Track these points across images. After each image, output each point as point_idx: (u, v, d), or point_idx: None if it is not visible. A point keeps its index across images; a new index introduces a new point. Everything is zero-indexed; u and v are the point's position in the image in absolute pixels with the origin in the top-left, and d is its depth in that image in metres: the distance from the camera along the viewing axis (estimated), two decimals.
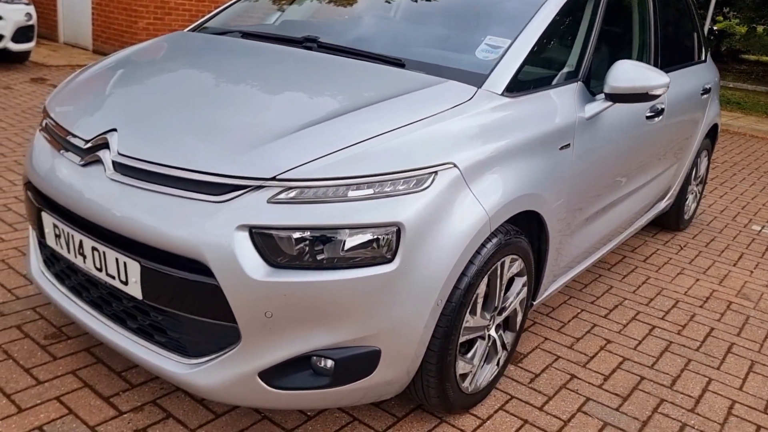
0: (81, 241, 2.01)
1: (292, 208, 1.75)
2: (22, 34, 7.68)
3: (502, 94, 2.21)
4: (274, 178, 1.76)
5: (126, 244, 1.90)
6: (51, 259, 2.28)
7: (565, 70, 2.59)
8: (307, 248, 1.76)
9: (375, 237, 1.79)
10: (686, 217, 4.61)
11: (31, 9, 7.80)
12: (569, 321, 3.15)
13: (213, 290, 1.76)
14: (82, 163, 2.03)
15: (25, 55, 8.07)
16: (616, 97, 2.57)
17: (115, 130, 2.00)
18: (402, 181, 1.84)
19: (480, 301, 2.16)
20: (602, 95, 2.63)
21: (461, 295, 2.01)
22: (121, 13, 9.27)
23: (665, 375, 2.77)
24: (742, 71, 16.80)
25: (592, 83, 2.68)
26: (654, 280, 3.77)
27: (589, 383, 2.64)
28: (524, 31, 2.38)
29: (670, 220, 4.47)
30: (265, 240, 1.75)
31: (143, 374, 2.35)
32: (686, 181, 4.30)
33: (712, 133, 4.57)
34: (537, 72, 2.44)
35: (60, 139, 2.17)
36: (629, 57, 3.19)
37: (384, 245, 1.80)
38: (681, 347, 3.02)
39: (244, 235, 1.75)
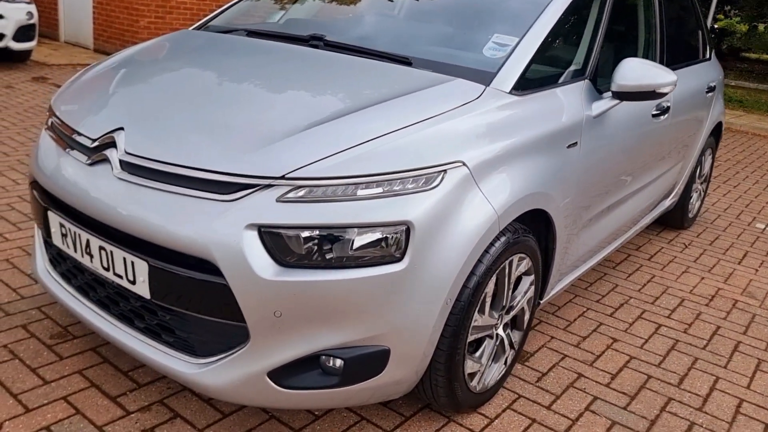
0: (88, 241, 2.00)
1: (301, 207, 1.75)
2: (23, 33, 7.67)
3: (510, 93, 2.20)
4: (283, 177, 1.75)
5: (134, 243, 1.89)
6: (57, 258, 2.28)
7: (572, 68, 2.57)
8: (316, 247, 1.75)
9: (384, 236, 1.78)
10: (690, 215, 4.60)
11: (33, 8, 7.79)
12: (575, 320, 3.14)
13: (222, 290, 1.76)
14: (88, 162, 2.02)
15: (27, 54, 8.06)
16: (623, 96, 2.56)
17: (122, 128, 1.99)
18: (411, 179, 1.84)
19: (488, 300, 2.15)
20: (609, 93, 2.61)
21: (470, 294, 2.00)
22: (122, 12, 9.25)
23: (672, 374, 2.76)
24: (743, 69, 16.79)
25: (599, 81, 2.67)
26: (659, 278, 3.76)
27: (596, 382, 2.63)
28: (532, 28, 2.37)
29: (674, 219, 4.46)
30: (274, 239, 1.74)
31: (150, 374, 2.34)
32: (691, 180, 4.29)
33: (717, 132, 4.57)
34: (544, 70, 2.43)
35: (66, 137, 2.16)
36: (635, 55, 3.18)
37: (393, 244, 1.79)
38: (687, 346, 3.02)
39: (253, 234, 1.74)
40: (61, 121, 2.21)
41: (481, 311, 2.14)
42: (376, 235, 1.78)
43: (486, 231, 1.96)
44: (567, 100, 2.44)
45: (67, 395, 2.19)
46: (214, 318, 1.83)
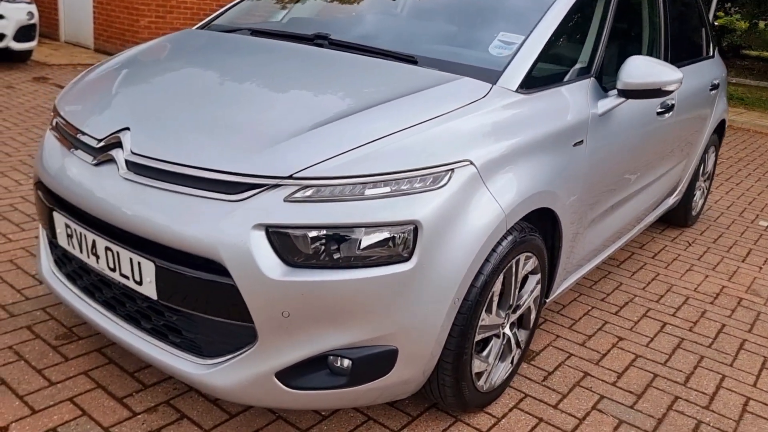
0: (94, 241, 1.99)
1: (308, 206, 1.74)
2: (24, 33, 7.66)
3: (516, 91, 2.19)
4: (290, 177, 1.74)
5: (140, 243, 1.88)
6: (62, 259, 2.27)
7: (578, 66, 2.57)
8: (324, 247, 1.74)
9: (392, 235, 1.77)
10: (694, 213, 4.59)
11: (33, 8, 7.77)
12: (580, 318, 3.14)
13: (229, 290, 1.75)
14: (94, 162, 2.01)
15: (27, 54, 8.04)
16: (629, 93, 2.55)
17: (127, 128, 1.98)
18: (418, 178, 1.83)
19: (495, 299, 2.15)
20: (615, 91, 2.61)
21: (477, 293, 1.99)
22: (122, 12, 9.24)
23: (678, 372, 2.76)
24: (744, 67, 16.77)
25: (604, 79, 2.66)
26: (663, 276, 3.75)
27: (602, 381, 2.63)
28: (538, 26, 2.36)
29: (678, 217, 4.45)
30: (281, 239, 1.73)
31: (156, 374, 2.34)
32: (694, 177, 4.29)
33: (720, 129, 4.56)
34: (550, 68, 2.43)
35: (71, 138, 2.15)
36: (639, 52, 3.17)
37: (401, 244, 1.79)
38: (693, 344, 3.01)
39: (261, 235, 1.73)
40: (66, 122, 2.20)
41: (489, 310, 2.13)
42: (384, 235, 1.77)
43: (494, 230, 1.96)
44: (573, 99, 2.43)
45: (73, 396, 2.18)
46: (222, 318, 1.82)
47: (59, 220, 2.11)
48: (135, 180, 1.90)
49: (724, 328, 3.20)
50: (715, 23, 17.08)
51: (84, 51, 9.73)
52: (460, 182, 1.88)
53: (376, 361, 1.87)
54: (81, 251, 2.06)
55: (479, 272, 1.99)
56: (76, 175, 2.05)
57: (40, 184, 2.26)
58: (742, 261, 4.13)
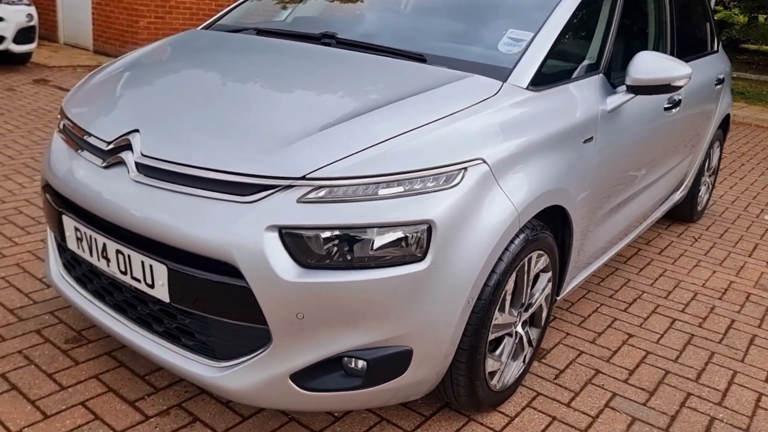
0: (104, 244, 1.98)
1: (322, 207, 1.73)
2: (23, 35, 7.63)
3: (527, 88, 2.18)
4: (303, 178, 1.73)
5: (152, 246, 1.87)
6: (71, 262, 2.26)
7: (586, 62, 2.55)
8: (338, 248, 1.73)
9: (406, 235, 1.76)
10: (699, 208, 4.58)
11: (32, 10, 7.75)
12: (589, 315, 3.13)
13: (243, 292, 1.74)
14: (104, 165, 2.00)
15: (27, 56, 8.02)
16: (638, 89, 2.54)
17: (137, 131, 1.97)
18: (432, 178, 1.82)
19: (508, 297, 2.14)
20: (623, 87, 2.60)
21: (491, 292, 1.98)
22: (121, 13, 9.22)
23: (690, 369, 2.75)
24: (743, 61, 16.75)
25: (612, 75, 2.65)
26: (671, 272, 3.75)
27: (614, 378, 2.62)
28: (547, 23, 2.35)
29: (683, 212, 4.44)
30: (295, 240, 1.72)
31: (167, 377, 2.33)
32: (700, 172, 4.28)
33: (725, 124, 4.55)
34: (559, 65, 2.41)
35: (79, 140, 2.14)
36: (646, 48, 3.16)
37: (415, 243, 1.78)
38: (703, 340, 3.00)
39: (274, 236, 1.72)
40: (74, 124, 2.19)
41: (502, 309, 2.12)
42: (398, 235, 1.76)
43: (507, 228, 1.95)
44: (582, 95, 2.42)
45: (84, 400, 2.17)
46: (235, 321, 1.81)
47: (68, 223, 2.10)
48: (145, 182, 1.88)
49: (733, 324, 3.19)
50: (714, 17, 17.04)
51: (83, 52, 9.71)
52: (473, 181, 1.87)
53: (391, 362, 1.85)
54: (91, 254, 2.05)
55: (492, 271, 1.98)
56: (86, 178, 2.04)
57: (48, 188, 2.25)
58: (749, 256, 4.12)
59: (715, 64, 4.11)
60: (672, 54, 3.35)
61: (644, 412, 2.42)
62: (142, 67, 2.47)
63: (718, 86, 4.08)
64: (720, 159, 4.86)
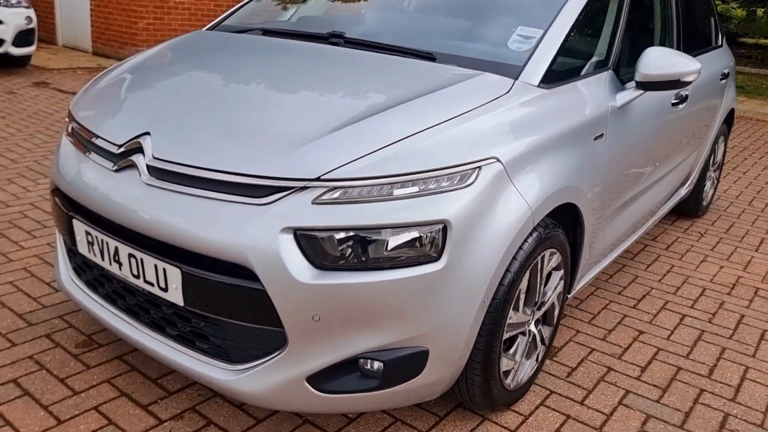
0: (116, 248, 1.97)
1: (337, 208, 1.72)
2: (22, 38, 7.60)
3: (538, 86, 2.17)
4: (318, 179, 1.72)
5: (165, 250, 1.86)
6: (82, 267, 2.24)
7: (595, 59, 2.55)
8: (354, 249, 1.72)
9: (422, 235, 1.75)
10: (705, 203, 4.58)
11: (31, 12, 7.72)
12: (599, 312, 3.12)
13: (258, 295, 1.73)
14: (114, 168, 1.98)
15: (26, 59, 7.99)
16: (647, 85, 2.53)
17: (147, 133, 1.96)
18: (446, 177, 1.81)
19: (522, 296, 2.13)
20: (632, 83, 2.59)
21: (505, 291, 1.97)
22: (120, 14, 9.19)
23: (702, 365, 2.74)
24: (742, 55, 16.74)
25: (620, 71, 2.64)
26: (678, 268, 3.74)
27: (626, 375, 2.61)
28: (556, 20, 2.33)
29: (689, 207, 4.43)
30: (310, 242, 1.71)
31: (179, 380, 2.32)
32: (705, 168, 4.27)
33: (729, 119, 4.54)
34: (568, 62, 2.40)
35: (89, 144, 2.13)
36: (652, 43, 3.15)
37: (431, 243, 1.77)
38: (714, 336, 2.99)
39: (289, 238, 1.71)
40: (83, 127, 2.18)
41: (516, 308, 2.11)
42: (414, 235, 1.75)
43: (521, 227, 1.94)
44: (592, 92, 2.41)
45: (97, 405, 2.16)
46: (250, 324, 1.80)
47: (79, 227, 2.09)
48: (157, 185, 1.87)
49: (743, 319, 3.18)
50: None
51: (82, 54, 9.69)
52: (487, 180, 1.86)
53: (407, 363, 1.85)
54: (103, 259, 2.04)
55: (507, 270, 1.97)
56: (96, 181, 2.02)
57: (57, 191, 2.24)
58: (756, 250, 4.12)
59: (720, 59, 4.10)
60: (678, 49, 3.34)
61: (658, 409, 2.42)
62: (150, 69, 2.45)
63: (723, 81, 4.08)
64: (724, 154, 4.85)
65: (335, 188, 1.73)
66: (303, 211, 1.71)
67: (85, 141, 2.15)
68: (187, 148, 1.88)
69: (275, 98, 2.08)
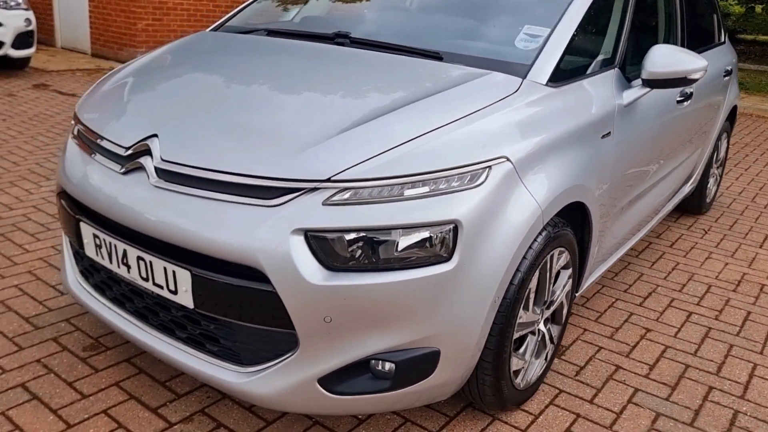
0: (125, 251, 1.96)
1: (348, 209, 1.71)
2: (22, 40, 7.59)
3: (546, 84, 2.16)
4: (329, 180, 1.71)
5: (174, 252, 1.85)
6: (89, 270, 2.23)
7: (602, 57, 2.54)
8: (365, 250, 1.71)
9: (433, 236, 1.75)
10: (708, 200, 4.57)
11: (31, 14, 7.70)
12: (605, 310, 3.12)
13: (269, 297, 1.72)
14: (122, 170, 1.97)
15: (26, 61, 7.97)
16: (654, 83, 2.53)
17: (155, 135, 1.95)
18: (456, 177, 1.80)
19: (532, 296, 2.13)
20: (639, 81, 2.58)
21: (515, 291, 1.97)
22: (119, 15, 9.17)
23: (710, 362, 2.74)
24: (740, 51, 16.71)
25: (626, 69, 2.64)
26: (683, 265, 3.73)
27: (635, 373, 2.60)
28: (563, 18, 2.33)
29: (692, 204, 4.43)
30: (321, 243, 1.70)
31: (188, 383, 2.31)
32: (708, 164, 4.27)
33: (732, 115, 4.54)
34: (575, 60, 2.40)
35: (95, 146, 2.12)
36: (657, 41, 3.14)
37: (442, 244, 1.76)
38: (721, 333, 2.99)
39: (300, 239, 1.70)
40: (89, 129, 2.17)
41: (526, 307, 2.11)
42: (425, 235, 1.74)
43: (531, 226, 1.93)
44: (599, 90, 2.41)
45: (107, 408, 2.15)
46: (261, 326, 1.79)
47: (86, 230, 2.08)
48: (166, 188, 1.86)
49: (749, 316, 3.18)
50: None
51: (81, 56, 9.67)
52: (498, 179, 1.86)
53: (419, 364, 1.84)
54: (111, 261, 2.03)
55: (517, 269, 1.96)
56: (104, 184, 2.01)
57: (63, 194, 2.23)
58: (760, 247, 4.11)
59: (723, 56, 4.10)
60: (682, 46, 3.33)
61: (668, 407, 2.41)
62: (155, 71, 2.44)
63: (726, 78, 4.07)
64: (727, 150, 4.85)
65: (346, 189, 1.72)
66: (313, 212, 1.71)
67: (91, 143, 2.15)
68: (195, 149, 1.88)
69: (282, 99, 2.08)
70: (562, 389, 2.46)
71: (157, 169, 1.89)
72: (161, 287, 1.91)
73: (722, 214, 4.69)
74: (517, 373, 2.20)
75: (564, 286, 2.37)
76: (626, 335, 2.90)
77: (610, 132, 2.41)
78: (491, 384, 2.07)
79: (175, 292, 1.88)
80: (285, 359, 1.80)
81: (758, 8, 17.22)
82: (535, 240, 2.01)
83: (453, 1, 2.74)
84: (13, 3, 7.52)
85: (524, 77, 2.13)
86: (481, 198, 1.81)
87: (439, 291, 1.78)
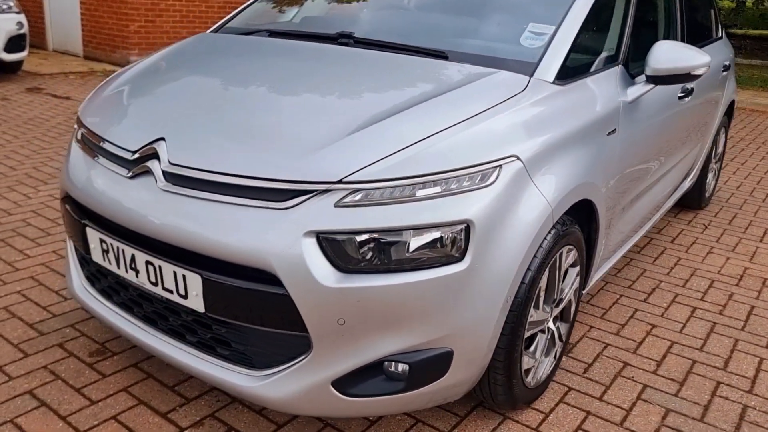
0: (133, 256, 1.94)
1: (360, 211, 1.70)
2: (14, 43, 7.53)
3: (553, 83, 2.16)
4: (340, 181, 1.70)
5: (184, 256, 1.84)
6: (95, 275, 2.22)
7: (606, 53, 2.54)
8: (378, 252, 1.70)
9: (445, 236, 1.74)
10: (707, 195, 4.59)
11: (22, 17, 7.64)
12: (610, 307, 3.12)
13: (282, 300, 1.71)
14: (129, 174, 1.96)
15: (18, 64, 7.91)
16: (657, 79, 2.53)
17: (162, 139, 1.93)
18: (467, 177, 1.79)
19: (542, 294, 2.12)
20: (642, 78, 2.58)
21: (526, 289, 1.96)
22: (111, 17, 9.12)
23: (716, 357, 2.75)
24: (732, 46, 16.82)
25: (629, 66, 2.64)
26: (685, 260, 3.74)
27: (643, 370, 2.61)
28: (568, 15, 2.33)
29: (692, 199, 4.44)
30: (333, 246, 1.69)
31: (197, 387, 2.29)
32: (707, 160, 4.28)
33: (730, 110, 4.55)
34: (580, 58, 2.39)
35: (100, 150, 2.10)
36: (657, 37, 3.15)
37: (454, 244, 1.75)
38: (726, 327, 3.00)
39: (312, 242, 1.69)
40: (93, 134, 2.15)
41: (536, 306, 2.10)
42: (437, 236, 1.74)
43: (542, 225, 1.93)
44: (604, 87, 2.41)
45: (116, 414, 2.13)
46: (274, 329, 1.78)
47: (93, 235, 2.06)
48: (175, 191, 1.85)
49: (753, 310, 3.19)
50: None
51: (74, 59, 9.61)
52: (508, 178, 1.85)
53: (433, 364, 1.83)
54: (119, 266, 2.01)
55: (528, 268, 1.96)
56: (111, 188, 2.00)
57: (68, 199, 2.21)
58: (760, 241, 4.13)
59: (721, 51, 4.11)
60: (682, 42, 3.34)
61: (677, 403, 2.42)
62: (158, 74, 2.42)
63: (725, 73, 4.09)
64: (725, 145, 4.87)
65: (358, 190, 1.71)
66: (326, 214, 1.69)
67: (96, 148, 2.13)
68: (203, 152, 1.86)
69: (289, 100, 2.06)
70: (572, 387, 2.46)
71: (165, 173, 1.88)
72: (171, 292, 1.89)
73: (721, 209, 4.71)
74: (527, 371, 2.19)
75: (572, 284, 2.37)
76: (632, 331, 2.90)
77: (615, 129, 2.41)
78: (503, 383, 2.06)
79: (185, 297, 1.86)
80: (298, 362, 1.79)
81: (748, 2, 17.29)
82: (545, 238, 2.01)
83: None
84: (5, 6, 7.46)
85: (531, 75, 2.13)
86: (493, 197, 1.81)
87: (452, 291, 1.77)
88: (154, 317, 2.03)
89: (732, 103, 4.51)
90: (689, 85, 3.23)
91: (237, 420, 2.15)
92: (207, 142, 1.89)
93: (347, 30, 2.53)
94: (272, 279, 1.71)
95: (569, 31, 2.28)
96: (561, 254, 2.18)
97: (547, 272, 2.10)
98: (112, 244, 2.00)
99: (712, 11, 4.21)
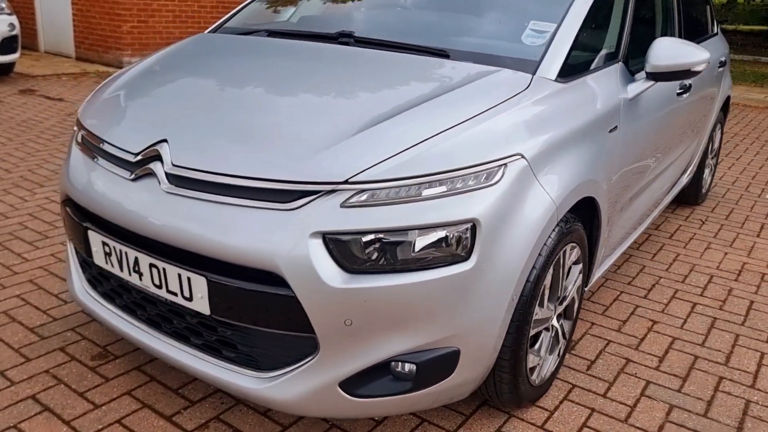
0: (136, 258, 1.93)
1: (366, 211, 1.69)
2: (6, 45, 7.48)
3: (555, 80, 2.16)
4: (346, 182, 1.69)
5: (189, 259, 1.83)
6: (97, 278, 2.20)
7: (606, 51, 2.54)
8: (384, 252, 1.70)
9: (451, 235, 1.74)
10: (704, 190, 4.61)
11: (14, 19, 7.59)
12: (611, 304, 3.13)
13: (289, 301, 1.70)
14: (132, 177, 1.94)
15: (10, 66, 7.86)
16: (658, 76, 2.53)
17: (164, 141, 1.92)
18: (472, 176, 1.79)
19: (546, 292, 2.12)
20: (642, 74, 2.59)
21: (531, 288, 1.96)
22: (103, 18, 9.07)
23: (718, 352, 2.76)
24: None
25: (629, 63, 2.64)
26: (684, 256, 3.76)
27: (645, 366, 2.61)
28: (568, 13, 2.32)
29: (689, 195, 4.46)
30: (340, 246, 1.69)
31: (201, 390, 2.28)
32: (704, 155, 4.30)
33: (725, 106, 4.57)
34: (582, 55, 2.39)
35: (102, 152, 2.08)
36: (655, 34, 3.15)
37: (461, 243, 1.75)
38: (726, 323, 3.01)
39: (318, 243, 1.68)
40: (94, 136, 2.13)
41: (540, 304, 2.10)
42: (443, 235, 1.73)
43: (546, 223, 1.93)
44: (605, 84, 2.41)
45: (120, 418, 2.12)
46: (280, 330, 1.77)
47: (95, 238, 2.05)
48: (178, 193, 1.84)
49: (753, 305, 3.21)
50: None
51: (66, 60, 9.55)
52: (513, 177, 1.85)
53: (440, 364, 1.83)
54: (122, 269, 2.00)
55: (533, 267, 1.96)
56: (113, 191, 1.98)
57: (69, 202, 2.19)
58: (757, 236, 4.15)
59: (717, 47, 4.12)
60: (680, 38, 3.35)
61: (680, 398, 2.42)
62: (158, 75, 2.41)
63: (721, 69, 4.10)
64: (721, 141, 4.89)
65: (363, 191, 1.70)
66: (331, 215, 1.69)
67: (97, 150, 2.11)
68: (206, 154, 1.85)
69: (292, 101, 2.05)
70: (575, 384, 2.46)
71: (168, 175, 1.87)
72: (175, 294, 1.88)
73: (718, 204, 4.73)
74: (532, 369, 2.19)
75: (575, 281, 2.37)
76: (633, 328, 2.91)
77: (616, 126, 2.42)
78: (508, 381, 2.06)
79: (190, 299, 1.85)
80: (305, 363, 1.78)
81: None
82: (549, 236, 2.01)
83: None
84: None
85: (534, 73, 2.13)
86: (498, 196, 1.80)
87: (458, 290, 1.77)
88: (157, 320, 2.02)
89: (728, 99, 4.53)
90: (687, 82, 3.24)
91: (242, 422, 2.14)
92: (210, 144, 1.88)
93: (347, 29, 2.52)
94: (278, 280, 1.70)
95: (570, 29, 2.28)
96: (565, 252, 2.18)
97: (551, 270, 2.10)
98: (114, 247, 1.99)
99: (708, 8, 4.22)
